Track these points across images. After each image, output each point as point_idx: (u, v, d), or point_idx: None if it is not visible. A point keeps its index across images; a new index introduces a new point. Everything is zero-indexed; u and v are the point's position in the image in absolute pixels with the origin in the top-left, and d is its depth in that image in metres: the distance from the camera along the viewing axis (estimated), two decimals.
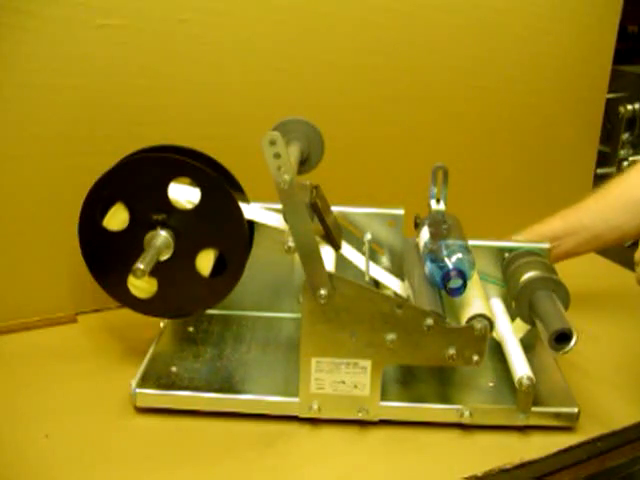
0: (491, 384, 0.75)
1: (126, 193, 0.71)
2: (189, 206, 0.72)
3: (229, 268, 0.74)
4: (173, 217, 0.72)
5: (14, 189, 0.82)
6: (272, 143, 0.61)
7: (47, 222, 0.85)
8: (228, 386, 0.73)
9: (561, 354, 0.67)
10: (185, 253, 0.73)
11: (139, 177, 0.71)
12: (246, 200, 0.77)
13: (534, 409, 0.70)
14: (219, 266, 0.74)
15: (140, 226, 0.72)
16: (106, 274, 0.74)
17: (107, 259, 0.73)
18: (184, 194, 0.73)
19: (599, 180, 1.26)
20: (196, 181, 0.71)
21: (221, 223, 0.73)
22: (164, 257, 0.72)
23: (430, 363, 0.70)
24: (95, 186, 0.72)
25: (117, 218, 0.72)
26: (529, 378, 0.69)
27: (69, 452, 0.66)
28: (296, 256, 0.65)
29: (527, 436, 0.71)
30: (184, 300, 0.75)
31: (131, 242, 0.72)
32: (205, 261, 0.73)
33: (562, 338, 0.67)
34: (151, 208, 0.72)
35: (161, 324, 0.82)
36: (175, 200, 0.72)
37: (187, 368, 0.75)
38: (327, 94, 0.96)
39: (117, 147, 0.75)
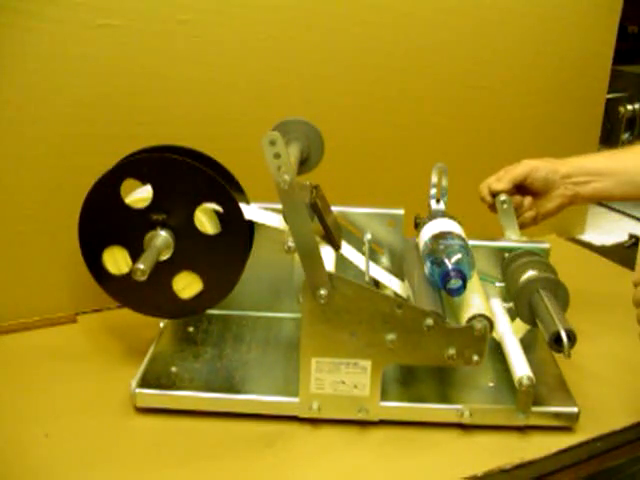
0: (491, 384, 0.75)
1: (161, 183, 0.71)
2: (210, 231, 0.72)
3: (203, 297, 0.74)
4: (188, 231, 0.72)
5: (14, 189, 0.82)
6: (272, 143, 0.61)
7: (47, 222, 0.85)
8: (228, 386, 0.73)
9: (566, 355, 0.67)
10: (174, 264, 0.73)
11: (184, 178, 0.70)
12: (246, 200, 0.77)
13: (534, 409, 0.70)
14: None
15: (149, 217, 0.72)
16: (91, 239, 0.73)
17: (99, 225, 0.73)
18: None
19: None
20: (227, 219, 0.72)
21: (222, 264, 0.73)
22: (164, 257, 0.72)
23: (430, 363, 0.70)
24: (136, 160, 0.71)
25: (142, 200, 0.72)
26: (529, 378, 0.69)
27: (69, 452, 0.66)
28: (296, 256, 0.65)
29: (527, 436, 0.70)
30: (150, 301, 0.75)
31: (132, 225, 0.72)
32: (190, 287, 0.74)
33: (562, 339, 0.67)
34: (174, 208, 0.71)
35: (161, 324, 0.82)
36: (200, 219, 0.72)
37: (187, 368, 0.75)
38: (327, 94, 0.96)
39: (117, 147, 0.75)
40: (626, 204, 1.38)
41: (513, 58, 1.07)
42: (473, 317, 0.69)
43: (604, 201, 0.86)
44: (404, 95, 1.02)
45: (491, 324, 0.69)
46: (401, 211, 0.82)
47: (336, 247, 0.74)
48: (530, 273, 0.76)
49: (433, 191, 0.82)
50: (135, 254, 0.72)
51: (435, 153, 0.97)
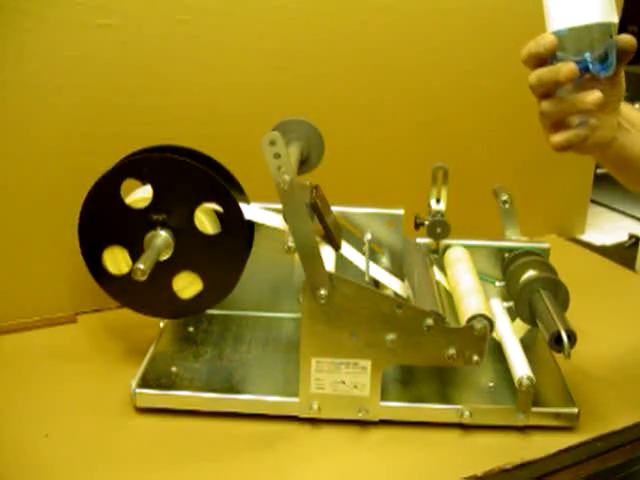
0: (491, 384, 0.75)
1: (161, 183, 0.71)
2: (210, 231, 0.72)
3: (203, 297, 0.74)
4: (188, 231, 0.72)
5: (14, 189, 0.82)
6: (272, 143, 0.61)
7: (47, 222, 0.85)
8: (228, 386, 0.73)
9: (566, 356, 0.67)
10: (174, 265, 0.73)
11: (184, 178, 0.70)
12: (246, 200, 0.77)
13: (534, 409, 0.70)
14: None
15: (149, 217, 0.72)
16: (91, 239, 0.73)
17: (99, 225, 0.72)
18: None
19: (599, 180, 1.27)
20: (227, 219, 0.72)
21: (222, 264, 0.73)
22: (164, 257, 0.72)
23: (430, 363, 0.70)
24: (136, 160, 0.71)
25: (142, 200, 0.72)
26: (529, 378, 0.69)
27: (69, 452, 0.66)
28: (296, 256, 0.65)
29: (527, 436, 0.71)
30: (150, 301, 0.75)
31: (132, 225, 0.72)
32: (190, 287, 0.74)
33: (562, 339, 0.67)
34: (174, 208, 0.71)
35: (161, 324, 0.82)
36: (200, 219, 0.72)
37: (187, 368, 0.75)
38: (327, 94, 0.96)
39: (117, 147, 0.75)
40: (626, 204, 1.38)
41: (513, 58, 1.06)
42: (473, 317, 0.69)
43: (623, 164, 0.69)
44: (404, 95, 1.02)
45: (491, 324, 0.69)
46: (401, 211, 0.82)
47: (336, 247, 0.74)
48: (530, 273, 0.76)
49: (433, 191, 0.82)
50: (135, 254, 0.72)
51: (435, 153, 0.98)
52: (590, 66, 0.59)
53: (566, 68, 0.58)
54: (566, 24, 0.59)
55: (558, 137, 0.62)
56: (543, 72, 0.60)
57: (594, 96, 0.59)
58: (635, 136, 0.67)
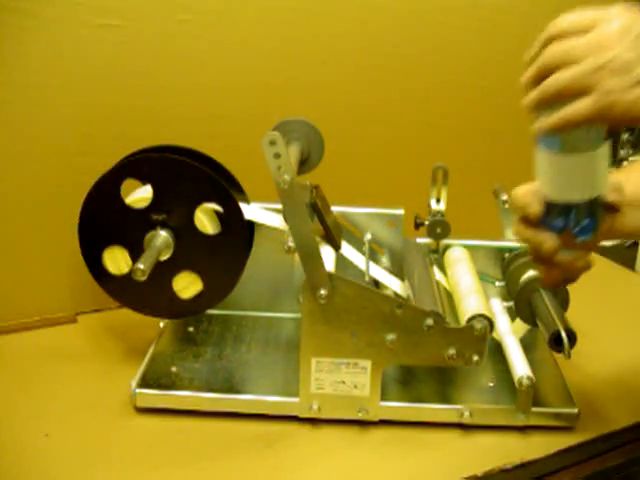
0: (491, 384, 0.75)
1: (161, 183, 0.71)
2: (210, 231, 0.72)
3: (203, 297, 0.74)
4: (188, 231, 0.72)
5: (14, 189, 0.82)
6: (272, 143, 0.61)
7: (47, 222, 0.85)
8: (228, 386, 0.73)
9: (566, 356, 0.67)
10: (174, 265, 0.73)
11: (184, 178, 0.70)
12: (246, 200, 0.77)
13: (534, 409, 0.70)
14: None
15: (149, 217, 0.72)
16: (91, 239, 0.73)
17: (99, 225, 0.73)
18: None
19: None
20: (227, 219, 0.72)
21: (222, 264, 0.73)
22: (164, 257, 0.72)
23: (430, 363, 0.70)
24: (136, 160, 0.71)
25: (142, 200, 0.72)
26: (529, 378, 0.69)
27: (69, 452, 0.66)
28: (296, 256, 0.65)
29: (527, 436, 0.71)
30: (150, 301, 0.75)
31: (132, 225, 0.72)
32: (190, 287, 0.74)
33: (562, 339, 0.67)
34: (174, 208, 0.71)
35: (161, 324, 0.82)
36: (200, 219, 0.72)
37: (187, 368, 0.75)
38: (327, 94, 0.96)
39: (117, 147, 0.75)
40: None
41: (513, 58, 1.07)
42: (473, 317, 0.69)
43: None
44: (404, 95, 1.02)
45: (491, 324, 0.69)
46: (401, 211, 0.82)
47: (336, 247, 0.74)
48: (530, 273, 0.76)
49: (433, 191, 0.82)
50: (135, 254, 0.72)
51: (435, 153, 0.97)
52: (573, 231, 0.58)
53: (548, 246, 0.58)
54: (554, 195, 0.57)
55: (553, 277, 0.63)
56: (528, 236, 0.60)
57: (584, 264, 0.62)
58: (626, 217, 0.60)
